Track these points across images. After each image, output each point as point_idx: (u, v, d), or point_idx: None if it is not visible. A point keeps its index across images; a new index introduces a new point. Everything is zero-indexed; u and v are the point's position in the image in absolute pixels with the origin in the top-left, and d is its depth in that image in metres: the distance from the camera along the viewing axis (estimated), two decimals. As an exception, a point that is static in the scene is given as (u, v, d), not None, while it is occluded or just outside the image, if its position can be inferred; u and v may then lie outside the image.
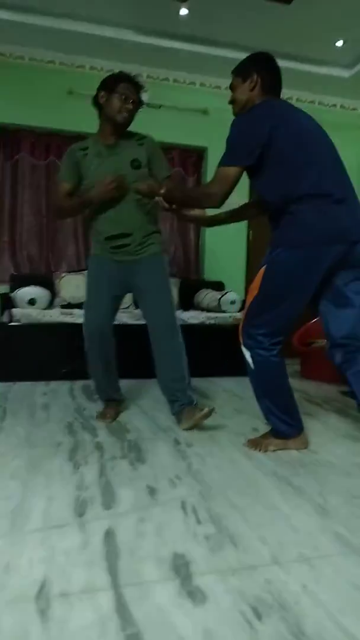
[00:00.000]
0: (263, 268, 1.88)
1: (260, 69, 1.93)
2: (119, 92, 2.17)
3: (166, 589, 1.04)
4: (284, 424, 1.97)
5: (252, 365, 1.94)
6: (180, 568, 1.12)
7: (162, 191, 2.03)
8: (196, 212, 2.22)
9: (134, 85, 2.21)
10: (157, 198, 2.07)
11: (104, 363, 2.39)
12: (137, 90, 2.23)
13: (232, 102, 2.00)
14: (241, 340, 1.97)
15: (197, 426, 2.24)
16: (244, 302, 3.99)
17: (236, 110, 1.99)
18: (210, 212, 2.20)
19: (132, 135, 2.30)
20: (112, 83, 2.19)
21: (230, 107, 2.01)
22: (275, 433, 2.00)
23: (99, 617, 0.95)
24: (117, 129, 2.23)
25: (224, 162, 1.82)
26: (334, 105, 4.89)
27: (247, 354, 1.95)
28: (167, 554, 1.18)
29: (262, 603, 0.99)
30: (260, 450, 1.97)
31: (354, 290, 1.85)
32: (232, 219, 2.32)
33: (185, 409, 2.26)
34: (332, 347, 1.90)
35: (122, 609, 0.98)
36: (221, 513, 1.40)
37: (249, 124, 1.81)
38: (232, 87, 2.00)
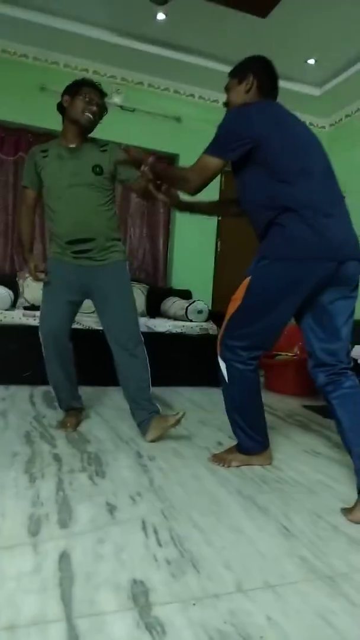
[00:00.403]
0: (248, 278, 1.79)
1: (257, 71, 1.87)
2: (83, 94, 2.16)
3: (123, 621, 0.98)
4: (250, 440, 1.93)
5: (226, 377, 1.88)
6: (139, 596, 1.05)
7: (150, 159, 1.89)
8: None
9: (97, 90, 2.21)
10: (143, 167, 1.91)
11: (62, 370, 2.31)
12: (101, 96, 2.22)
13: (227, 104, 1.94)
14: (218, 351, 1.90)
15: (162, 437, 2.19)
16: (210, 312, 3.97)
17: None
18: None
19: (95, 141, 2.27)
20: (76, 87, 2.19)
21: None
22: (240, 448, 1.96)
23: (50, 654, 0.88)
24: (81, 132, 2.21)
25: (208, 151, 1.74)
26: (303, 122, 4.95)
27: (223, 366, 1.88)
28: (125, 580, 1.11)
29: (224, 637, 0.94)
30: (223, 466, 1.93)
31: (338, 309, 1.74)
32: (211, 211, 2.24)
33: (154, 418, 2.20)
34: (315, 366, 1.77)
35: (75, 643, 0.91)
36: (183, 535, 1.34)
37: (244, 117, 1.72)
38: (227, 89, 1.94)
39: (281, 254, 1.70)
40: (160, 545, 1.28)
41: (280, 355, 3.99)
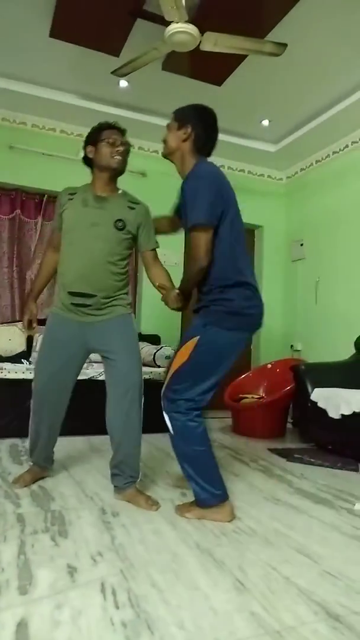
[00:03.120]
0: (196, 339, 1.93)
1: (198, 125, 2.02)
2: (105, 139, 2.13)
3: None
4: (204, 492, 1.97)
5: (171, 430, 1.99)
6: (94, 662, 1.10)
7: (177, 300, 2.03)
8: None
9: (117, 130, 2.19)
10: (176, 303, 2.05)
11: (47, 428, 2.29)
12: (122, 134, 2.20)
13: (164, 141, 2.10)
14: (163, 405, 2.02)
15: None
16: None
17: (165, 152, 2.12)
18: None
19: (126, 195, 2.25)
20: (95, 134, 2.17)
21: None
22: (196, 501, 2.01)
23: None
24: (112, 178, 2.18)
25: (202, 222, 1.85)
26: (262, 175, 5.26)
27: (167, 418, 2.00)
28: (81, 646, 1.16)
29: None
30: (181, 516, 1.99)
31: None
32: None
33: (130, 487, 2.18)
34: None
35: None
36: (141, 595, 1.39)
37: (217, 181, 1.94)
38: (168, 126, 2.09)
39: (229, 325, 1.96)
40: (117, 607, 1.32)
41: (247, 397, 4.11)
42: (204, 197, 1.86)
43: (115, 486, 2.24)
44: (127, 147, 2.19)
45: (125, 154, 2.18)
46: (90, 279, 2.14)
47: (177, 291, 2.03)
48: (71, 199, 2.20)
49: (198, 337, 1.93)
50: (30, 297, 2.40)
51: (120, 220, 2.16)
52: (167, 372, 2.09)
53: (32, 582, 1.44)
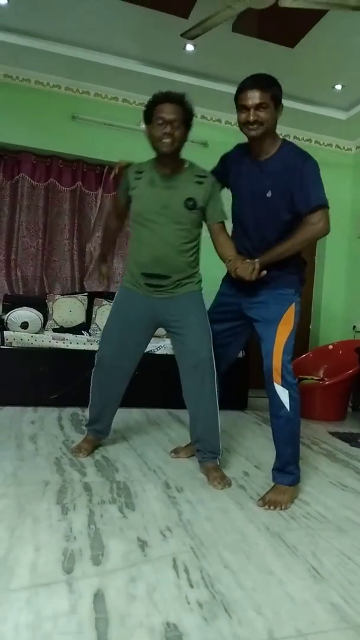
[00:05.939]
0: (293, 305, 1.99)
1: (281, 103, 1.96)
2: (155, 118, 1.97)
3: (158, 667, 1.00)
4: (298, 470, 2.02)
5: (289, 406, 1.94)
6: (173, 641, 1.08)
7: (257, 267, 1.92)
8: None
9: (170, 102, 1.95)
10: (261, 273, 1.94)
11: (109, 398, 2.32)
12: (178, 105, 1.96)
13: (258, 121, 1.87)
14: (280, 379, 1.92)
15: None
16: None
17: (260, 132, 1.90)
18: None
19: (192, 168, 2.12)
20: (149, 111, 2.00)
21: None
22: (294, 481, 1.99)
23: None
24: (169, 160, 2.04)
25: (325, 201, 1.88)
26: (330, 145, 4.99)
27: (286, 394, 1.93)
28: (159, 622, 1.14)
29: None
30: (283, 509, 1.86)
31: None
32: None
33: (208, 462, 2.17)
34: None
35: None
36: (214, 575, 1.36)
37: None
38: (261, 104, 1.86)
39: (300, 289, 2.09)
40: (191, 586, 1.30)
41: (306, 379, 3.98)
42: (322, 181, 1.91)
43: (200, 462, 2.24)
44: (181, 123, 1.96)
45: (179, 132, 1.96)
46: (165, 261, 2.12)
47: (258, 262, 1.93)
48: (139, 179, 2.11)
49: (294, 303, 1.99)
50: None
51: (190, 199, 2.06)
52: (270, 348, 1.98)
53: (104, 552, 1.45)
